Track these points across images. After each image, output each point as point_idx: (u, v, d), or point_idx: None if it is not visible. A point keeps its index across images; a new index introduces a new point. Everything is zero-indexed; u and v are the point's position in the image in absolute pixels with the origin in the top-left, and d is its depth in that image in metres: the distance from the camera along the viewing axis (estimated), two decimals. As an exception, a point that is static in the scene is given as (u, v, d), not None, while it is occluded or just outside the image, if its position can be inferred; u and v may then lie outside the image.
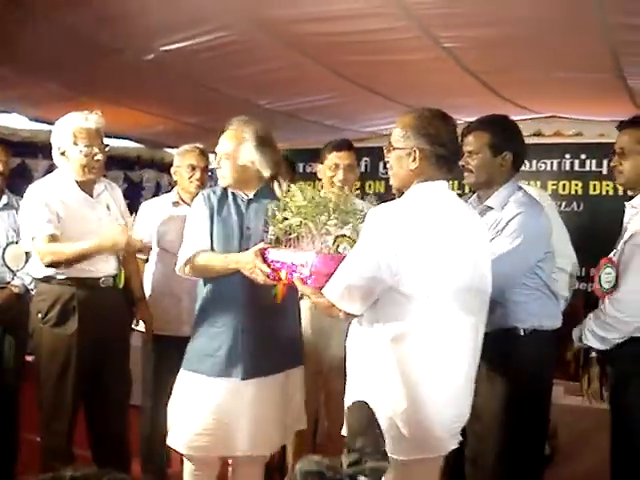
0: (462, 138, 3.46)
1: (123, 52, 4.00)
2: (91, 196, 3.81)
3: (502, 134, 3.22)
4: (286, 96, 5.17)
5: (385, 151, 2.84)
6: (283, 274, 2.85)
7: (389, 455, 2.41)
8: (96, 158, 3.70)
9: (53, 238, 3.55)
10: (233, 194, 3.32)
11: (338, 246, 2.77)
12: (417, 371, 2.49)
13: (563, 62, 4.08)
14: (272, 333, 3.20)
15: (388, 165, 2.76)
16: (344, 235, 2.78)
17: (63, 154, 3.70)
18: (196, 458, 3.24)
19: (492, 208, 3.17)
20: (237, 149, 3.26)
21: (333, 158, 4.06)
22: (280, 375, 3.25)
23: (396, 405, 2.49)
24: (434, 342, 2.50)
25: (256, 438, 3.16)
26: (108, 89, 4.80)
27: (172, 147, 6.67)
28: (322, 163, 4.15)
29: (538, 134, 6.41)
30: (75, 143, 3.67)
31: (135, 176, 7.28)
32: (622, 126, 3.27)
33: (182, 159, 4.43)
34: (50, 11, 3.37)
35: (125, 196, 6.89)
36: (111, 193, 3.98)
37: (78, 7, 3.32)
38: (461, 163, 3.22)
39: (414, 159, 2.57)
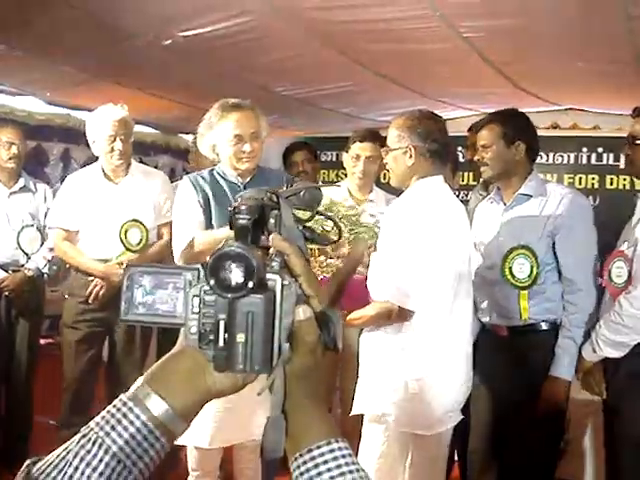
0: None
1: (141, 37, 3.99)
2: (117, 183, 4.07)
3: (513, 125, 3.25)
4: (303, 83, 5.15)
5: (383, 154, 3.00)
6: None
7: (404, 430, 2.67)
8: (117, 147, 3.95)
9: (67, 234, 4.00)
10: (224, 179, 3.20)
11: None
12: (428, 351, 2.70)
13: (583, 54, 4.05)
14: None
15: (387, 167, 2.98)
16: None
17: (94, 143, 4.02)
18: (201, 449, 3.22)
19: (530, 196, 3.20)
20: (263, 126, 3.23)
21: (355, 149, 4.04)
22: None
23: (410, 385, 2.68)
24: (444, 323, 2.73)
25: (258, 423, 3.16)
26: (125, 74, 4.80)
27: (187, 133, 6.67)
28: (347, 152, 4.13)
29: (555, 127, 6.37)
30: (100, 134, 3.96)
31: (150, 162, 7.26)
32: (637, 112, 3.20)
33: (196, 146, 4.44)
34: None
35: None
36: (145, 181, 4.17)
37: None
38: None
39: (410, 156, 2.82)
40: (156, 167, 7.34)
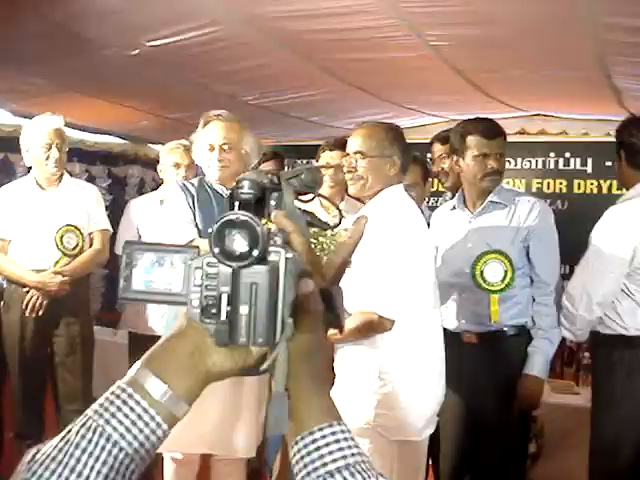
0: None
1: (109, 47, 3.97)
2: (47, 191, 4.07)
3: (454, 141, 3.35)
4: (272, 92, 5.15)
5: (348, 160, 2.89)
6: None
7: (396, 439, 2.68)
8: (52, 156, 3.96)
9: (1, 244, 3.98)
10: (211, 188, 3.26)
11: None
12: (408, 358, 2.72)
13: (549, 60, 4.09)
14: None
15: (352, 173, 2.91)
16: None
17: (27, 152, 4.04)
18: (176, 457, 3.21)
19: (499, 203, 3.27)
20: (240, 139, 3.26)
21: (325, 157, 4.05)
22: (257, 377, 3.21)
23: (394, 393, 2.69)
24: (422, 329, 2.76)
25: (231, 439, 3.15)
26: (93, 84, 4.76)
27: (157, 143, 6.63)
28: (317, 161, 4.14)
29: (523, 132, 6.43)
30: (36, 142, 3.97)
31: (119, 172, 7.22)
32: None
33: (167, 157, 4.43)
34: (37, 6, 3.33)
35: (109, 192, 6.96)
36: (78, 190, 4.20)
37: (65, 3, 3.30)
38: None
39: (391, 166, 2.84)
40: (125, 177, 7.33)
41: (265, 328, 0.76)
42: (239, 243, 0.75)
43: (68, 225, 3.98)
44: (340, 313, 0.85)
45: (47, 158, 3.98)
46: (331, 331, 2.51)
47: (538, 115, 6.30)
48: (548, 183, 6.54)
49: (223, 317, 0.76)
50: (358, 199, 3.14)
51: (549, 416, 3.69)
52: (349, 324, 2.68)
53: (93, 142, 6.60)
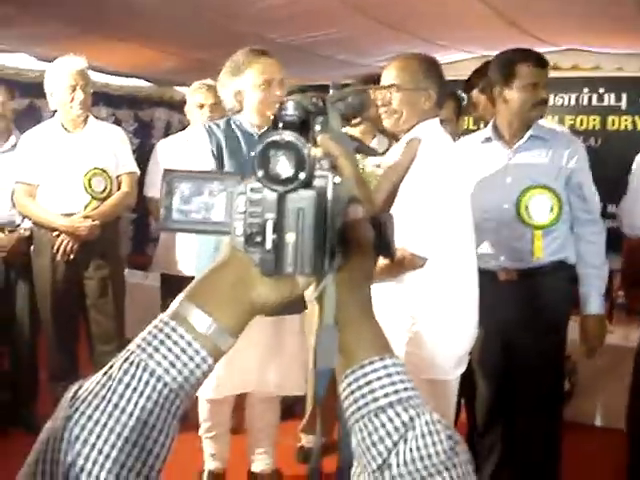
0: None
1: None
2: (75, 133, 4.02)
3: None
4: (297, 30, 5.06)
5: (382, 94, 2.82)
6: None
7: (425, 377, 2.62)
8: (77, 97, 3.90)
9: (29, 189, 3.95)
10: (240, 129, 3.11)
11: None
12: (441, 295, 2.68)
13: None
14: None
15: (386, 107, 2.78)
16: None
17: (52, 95, 3.97)
18: (212, 399, 3.23)
19: (540, 138, 3.18)
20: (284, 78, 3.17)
21: None
22: (293, 317, 3.21)
23: (423, 329, 2.66)
24: (456, 268, 2.71)
25: (268, 378, 3.17)
26: (115, 26, 4.71)
27: (182, 85, 6.58)
28: None
29: (555, 67, 6.26)
30: (60, 85, 3.91)
31: (145, 115, 7.20)
32: None
33: (191, 97, 4.38)
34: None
35: (135, 136, 6.95)
36: (104, 132, 4.14)
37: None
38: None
39: (427, 99, 2.73)
40: (151, 120, 7.31)
41: (312, 257, 0.72)
42: (284, 166, 0.71)
43: (96, 168, 3.96)
44: (391, 242, 0.80)
45: (72, 100, 3.91)
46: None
47: (571, 50, 6.12)
48: (581, 119, 6.40)
49: (269, 245, 0.72)
50: (392, 134, 3.05)
51: (582, 354, 3.66)
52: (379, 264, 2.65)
53: (118, 86, 6.58)
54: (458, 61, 6.02)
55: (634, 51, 5.82)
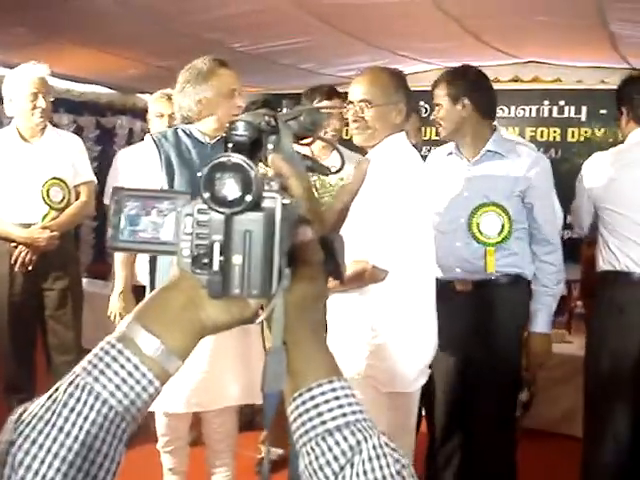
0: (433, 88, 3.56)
1: (92, -7, 3.88)
2: (32, 143, 3.93)
3: (458, 83, 3.19)
4: (260, 39, 5.05)
5: (353, 109, 2.81)
6: None
7: (387, 390, 2.65)
8: (39, 105, 3.82)
9: None
10: (190, 137, 3.03)
11: None
12: (401, 308, 2.69)
13: (543, 6, 4.01)
14: None
15: (358, 122, 2.78)
16: None
17: (10, 102, 3.87)
18: (168, 413, 3.18)
19: (497, 153, 3.17)
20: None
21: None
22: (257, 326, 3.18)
23: (386, 344, 2.67)
24: (416, 280, 2.72)
25: (221, 390, 3.13)
26: (77, 33, 4.67)
27: (145, 93, 6.54)
28: None
29: (516, 80, 6.34)
30: (19, 92, 3.81)
31: (107, 122, 7.14)
32: None
33: (152, 106, 4.35)
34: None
35: (97, 143, 6.89)
36: (62, 142, 4.05)
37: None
38: (432, 117, 3.33)
39: (398, 114, 2.73)
40: (114, 128, 7.24)
41: (260, 278, 0.71)
42: (231, 188, 0.70)
43: (54, 178, 3.90)
44: (341, 262, 0.79)
45: (33, 108, 3.82)
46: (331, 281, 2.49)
47: (532, 62, 6.21)
48: (542, 131, 6.48)
49: (216, 267, 0.71)
50: (359, 148, 3.04)
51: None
52: None
53: (80, 92, 6.51)
54: (420, 72, 6.06)
55: (594, 64, 5.92)
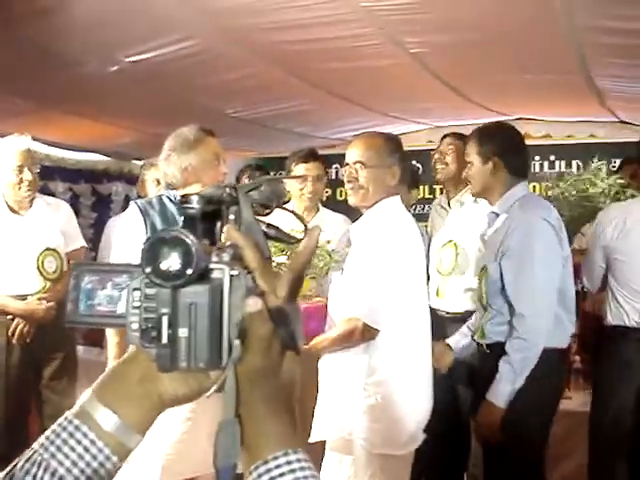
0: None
1: (87, 64, 3.94)
2: (22, 215, 3.93)
3: (488, 141, 3.13)
4: (254, 104, 5.13)
5: (348, 170, 2.86)
6: None
7: (378, 452, 2.63)
8: (25, 178, 3.81)
9: None
10: (175, 204, 3.02)
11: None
12: (395, 369, 2.70)
13: (529, 64, 4.09)
14: None
15: (352, 183, 2.86)
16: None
17: None
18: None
19: (498, 214, 3.10)
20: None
21: (301, 170, 3.96)
22: None
23: (379, 405, 2.67)
24: (409, 341, 2.74)
25: (201, 455, 3.08)
26: (73, 101, 4.73)
27: (141, 159, 6.60)
28: (288, 173, 4.08)
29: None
30: (7, 165, 3.80)
31: (103, 189, 7.18)
32: None
33: (148, 173, 4.40)
34: (10, 23, 3.30)
35: (93, 210, 6.92)
36: (51, 211, 4.06)
37: (40, 19, 3.26)
38: (463, 175, 3.30)
39: (392, 176, 2.82)
40: (110, 195, 7.28)
41: (207, 351, 0.72)
42: (171, 261, 0.71)
43: (47, 249, 3.89)
44: (295, 332, 0.79)
45: (20, 182, 3.81)
46: (317, 339, 2.51)
47: (521, 119, 6.30)
48: (534, 186, 6.53)
49: (164, 340, 0.72)
50: (353, 209, 3.08)
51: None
52: (333, 332, 2.66)
53: (76, 160, 6.56)
54: (411, 132, 6.16)
55: (583, 118, 6.01)
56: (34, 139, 4.99)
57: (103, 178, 7.08)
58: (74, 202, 6.26)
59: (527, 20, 3.29)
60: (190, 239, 0.71)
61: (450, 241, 3.69)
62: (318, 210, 3.99)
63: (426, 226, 4.36)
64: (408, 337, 2.72)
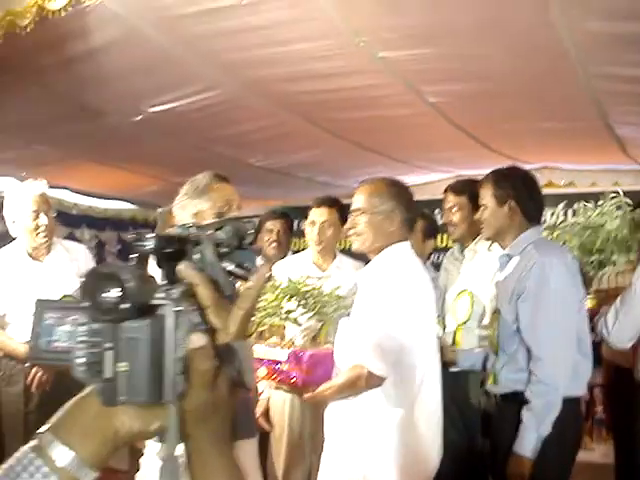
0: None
1: (112, 114, 4.04)
2: (41, 261, 3.94)
3: (504, 184, 3.13)
4: (276, 154, 5.20)
5: (352, 216, 2.90)
6: (262, 371, 2.75)
7: None
8: (42, 223, 3.82)
9: None
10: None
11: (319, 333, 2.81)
12: (402, 419, 2.63)
13: (548, 113, 4.10)
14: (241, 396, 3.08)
15: (352, 230, 2.88)
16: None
17: (14, 223, 3.86)
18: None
19: (512, 256, 3.07)
20: None
21: (311, 215, 3.96)
22: (248, 441, 3.18)
23: (381, 454, 2.61)
24: (417, 391, 2.67)
25: None
26: (99, 150, 4.83)
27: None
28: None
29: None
30: (23, 211, 3.82)
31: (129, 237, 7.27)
32: None
33: (164, 219, 4.43)
34: (38, 75, 3.40)
35: (119, 257, 6.99)
36: (70, 256, 4.06)
37: (67, 71, 3.36)
38: (476, 217, 3.27)
39: (392, 222, 2.80)
40: (136, 242, 7.35)
41: (147, 385, 0.73)
42: (108, 296, 0.72)
43: (66, 295, 3.90)
44: (242, 369, 0.81)
45: (36, 227, 3.82)
46: (322, 387, 2.47)
47: (545, 168, 6.29)
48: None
49: (107, 375, 0.73)
50: (361, 255, 3.09)
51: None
52: (338, 380, 2.63)
53: (103, 209, 6.67)
54: (434, 181, 6.16)
55: (606, 167, 5.99)
56: (62, 187, 5.12)
57: (129, 226, 7.17)
58: (100, 250, 6.35)
59: (544, 69, 3.32)
60: (128, 276, 0.72)
61: (465, 290, 3.68)
62: (335, 257, 3.98)
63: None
64: (416, 384, 2.68)
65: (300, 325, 2.74)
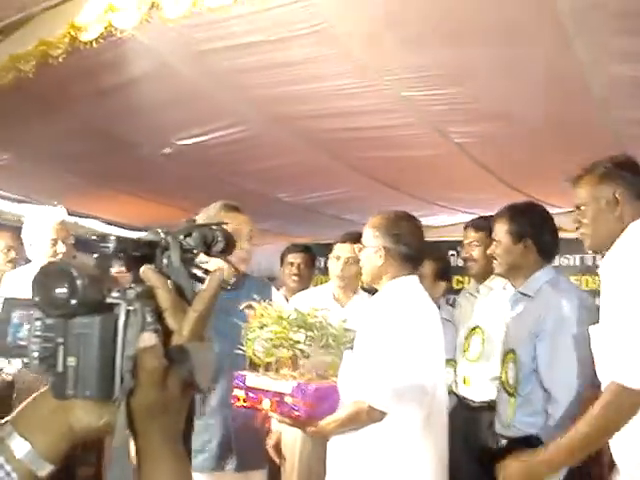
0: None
1: (142, 146, 4.11)
2: None
3: (520, 221, 3.12)
4: (303, 190, 5.24)
5: (357, 250, 2.99)
6: (266, 404, 2.75)
7: None
8: (59, 250, 3.84)
9: None
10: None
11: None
12: (403, 455, 2.62)
13: (573, 155, 4.08)
14: (252, 426, 3.08)
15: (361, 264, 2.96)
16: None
17: (31, 246, 3.90)
18: None
19: (527, 295, 3.04)
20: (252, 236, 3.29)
21: (336, 250, 4.00)
22: (258, 472, 3.21)
23: None
24: (420, 428, 2.65)
25: None
26: (127, 182, 4.91)
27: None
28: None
29: (559, 229, 6.35)
30: (41, 237, 3.84)
31: (158, 268, 7.33)
32: None
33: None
34: (70, 105, 3.48)
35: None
36: None
37: (98, 102, 3.44)
38: (488, 252, 3.28)
39: (380, 256, 2.82)
40: (163, 274, 7.42)
41: (95, 381, 0.75)
42: (58, 291, 0.75)
43: None
44: (194, 370, 0.81)
45: (54, 254, 3.83)
46: (324, 421, 2.47)
47: (573, 210, 6.23)
48: (587, 280, 6.43)
49: (59, 369, 0.75)
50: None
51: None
52: (339, 414, 2.61)
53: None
54: (460, 222, 6.14)
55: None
56: (93, 218, 5.19)
57: (156, 257, 7.23)
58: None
59: (567, 111, 3.33)
60: (78, 273, 0.75)
61: (477, 327, 3.66)
62: (355, 292, 3.98)
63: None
64: (420, 420, 2.64)
65: (307, 357, 2.75)
